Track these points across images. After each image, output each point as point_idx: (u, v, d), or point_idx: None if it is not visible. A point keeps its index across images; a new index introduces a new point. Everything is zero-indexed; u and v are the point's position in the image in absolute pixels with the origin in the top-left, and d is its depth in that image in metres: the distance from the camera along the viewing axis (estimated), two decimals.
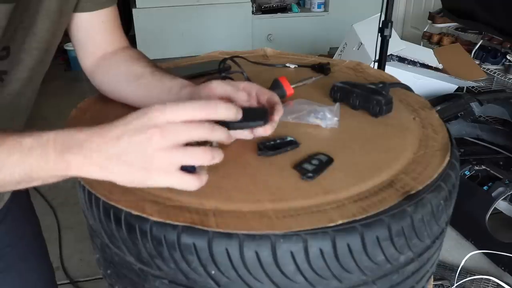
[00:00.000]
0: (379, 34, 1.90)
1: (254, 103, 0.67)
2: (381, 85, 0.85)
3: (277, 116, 0.65)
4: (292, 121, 0.75)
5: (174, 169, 0.49)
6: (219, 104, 0.51)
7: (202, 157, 0.50)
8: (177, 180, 0.50)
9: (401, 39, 3.00)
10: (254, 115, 0.61)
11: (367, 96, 0.79)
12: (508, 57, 2.84)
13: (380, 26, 1.89)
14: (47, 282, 0.92)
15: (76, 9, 0.72)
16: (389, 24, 1.87)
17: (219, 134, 0.51)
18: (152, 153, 0.48)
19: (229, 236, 0.52)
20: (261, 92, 0.67)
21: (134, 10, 3.93)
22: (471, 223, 1.87)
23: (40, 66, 0.68)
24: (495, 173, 1.96)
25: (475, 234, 1.89)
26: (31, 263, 0.86)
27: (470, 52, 3.00)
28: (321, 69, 0.99)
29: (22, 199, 0.84)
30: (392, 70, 2.19)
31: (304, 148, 0.69)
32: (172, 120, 0.48)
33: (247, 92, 0.67)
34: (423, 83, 2.40)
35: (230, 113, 0.51)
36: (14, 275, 0.82)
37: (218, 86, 0.65)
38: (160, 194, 0.58)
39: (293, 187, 0.60)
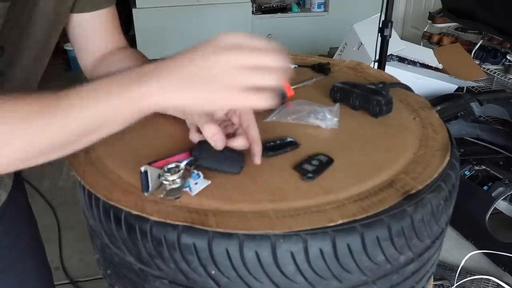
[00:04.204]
0: (379, 34, 1.90)
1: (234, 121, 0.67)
2: (381, 85, 0.85)
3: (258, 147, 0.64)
4: (292, 122, 0.75)
5: (249, 87, 0.49)
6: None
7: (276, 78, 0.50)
8: (252, 98, 0.50)
9: (401, 39, 3.00)
10: (231, 160, 0.63)
11: (367, 96, 0.79)
12: (508, 57, 2.84)
13: (380, 26, 1.89)
14: (44, 283, 0.92)
15: (74, 9, 0.72)
16: (389, 24, 1.87)
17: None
18: (229, 70, 0.48)
19: (229, 236, 0.52)
20: (247, 124, 0.65)
21: (134, 10, 3.92)
22: (471, 223, 1.87)
23: (36, 66, 0.68)
24: (495, 173, 1.96)
25: (475, 234, 1.89)
26: (29, 264, 0.86)
27: (470, 52, 2.99)
28: (321, 69, 0.99)
29: (20, 199, 0.84)
30: (392, 70, 2.19)
31: (304, 148, 0.68)
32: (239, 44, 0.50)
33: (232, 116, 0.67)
34: (423, 83, 2.40)
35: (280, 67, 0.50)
36: (12, 276, 0.82)
37: (195, 115, 0.65)
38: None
39: (293, 187, 0.60)
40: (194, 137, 0.66)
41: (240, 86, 0.49)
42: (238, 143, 0.63)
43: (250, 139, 0.64)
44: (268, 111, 0.76)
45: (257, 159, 0.63)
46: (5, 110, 0.49)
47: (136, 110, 0.50)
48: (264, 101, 0.49)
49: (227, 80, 0.49)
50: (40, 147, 0.51)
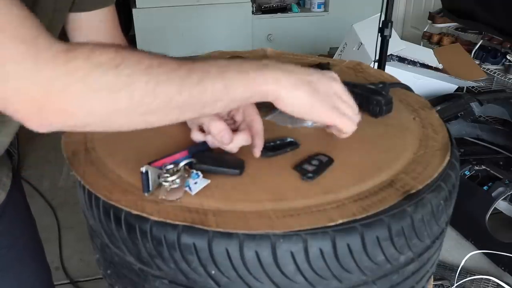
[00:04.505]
0: (379, 34, 1.90)
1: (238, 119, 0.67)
2: (381, 85, 0.85)
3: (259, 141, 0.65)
4: (291, 127, 0.75)
5: (342, 111, 0.62)
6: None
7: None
8: (343, 119, 0.63)
9: (401, 39, 3.00)
10: (232, 163, 0.63)
11: (367, 96, 0.79)
12: (508, 57, 2.84)
13: (380, 26, 1.88)
14: (44, 283, 0.92)
15: (74, 8, 0.72)
16: (389, 24, 1.86)
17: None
18: (334, 91, 0.62)
19: (229, 236, 0.52)
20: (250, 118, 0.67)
21: (134, 10, 3.92)
22: (471, 223, 1.87)
23: None
24: (495, 173, 1.96)
25: (475, 234, 1.89)
26: (28, 264, 0.86)
27: (470, 52, 2.99)
28: (321, 69, 0.99)
29: (18, 199, 0.84)
30: (392, 70, 2.19)
31: (304, 148, 0.68)
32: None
33: (236, 114, 0.68)
34: (423, 83, 2.40)
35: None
36: (10, 276, 0.82)
37: None
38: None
39: (293, 187, 0.60)
40: (197, 136, 0.66)
41: (340, 111, 0.62)
42: (241, 138, 0.64)
43: (253, 132, 0.64)
44: (268, 111, 0.76)
45: (257, 151, 0.64)
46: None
47: (257, 92, 0.55)
48: (350, 127, 0.64)
49: (336, 102, 0.61)
50: (164, 102, 0.50)
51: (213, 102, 0.53)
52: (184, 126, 0.71)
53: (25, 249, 0.85)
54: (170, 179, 0.58)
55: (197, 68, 0.52)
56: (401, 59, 2.68)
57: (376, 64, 1.98)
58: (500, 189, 1.84)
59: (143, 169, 0.58)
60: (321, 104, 0.59)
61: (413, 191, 0.59)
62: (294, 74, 0.57)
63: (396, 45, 2.51)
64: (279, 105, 0.57)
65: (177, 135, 0.71)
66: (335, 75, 0.63)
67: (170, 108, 0.51)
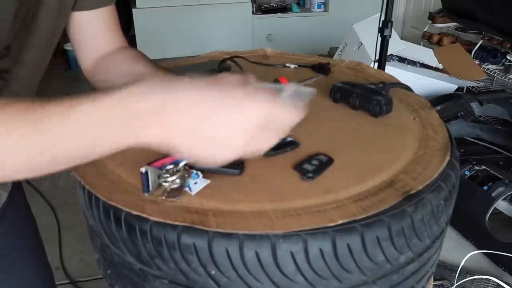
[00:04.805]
0: (379, 34, 1.90)
1: None
2: (381, 85, 0.85)
3: None
4: None
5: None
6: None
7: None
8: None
9: (401, 39, 3.00)
10: (232, 163, 0.60)
11: (367, 96, 0.79)
12: (508, 57, 2.84)
13: (380, 26, 1.88)
14: (45, 282, 0.92)
15: (75, 7, 0.72)
16: (389, 24, 1.86)
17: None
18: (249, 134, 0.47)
19: (229, 236, 0.52)
20: None
21: (134, 10, 3.92)
22: (471, 223, 1.87)
23: (40, 64, 0.69)
24: (495, 173, 1.96)
25: (475, 234, 1.89)
26: (29, 264, 0.86)
27: (470, 52, 2.99)
28: (321, 69, 0.99)
29: (19, 200, 0.84)
30: (392, 70, 2.19)
31: (304, 148, 0.68)
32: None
33: None
34: (423, 83, 2.40)
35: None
36: (12, 276, 0.82)
37: None
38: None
39: (293, 187, 0.60)
40: None
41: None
42: None
43: None
44: None
45: None
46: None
47: (127, 145, 0.48)
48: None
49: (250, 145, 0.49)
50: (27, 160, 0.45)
51: (76, 159, 0.47)
52: None
53: (26, 249, 0.85)
54: (170, 179, 0.57)
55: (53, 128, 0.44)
56: (401, 59, 2.68)
57: (376, 64, 1.98)
58: (500, 189, 1.84)
59: (143, 170, 0.58)
60: (225, 152, 0.48)
61: (413, 191, 0.59)
62: (178, 130, 0.47)
63: (396, 45, 2.51)
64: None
65: None
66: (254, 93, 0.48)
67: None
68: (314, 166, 0.63)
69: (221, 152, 0.48)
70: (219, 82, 0.48)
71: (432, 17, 3.28)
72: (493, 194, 1.83)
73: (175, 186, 0.58)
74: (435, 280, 1.65)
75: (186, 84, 0.47)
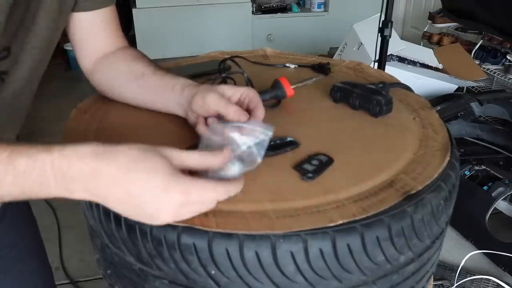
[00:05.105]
0: (379, 34, 1.90)
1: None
2: (381, 85, 0.85)
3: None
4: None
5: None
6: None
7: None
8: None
9: (401, 39, 3.00)
10: None
11: (367, 96, 0.79)
12: (508, 57, 2.84)
13: (380, 26, 1.89)
14: (46, 283, 0.92)
15: (75, 8, 0.72)
16: (389, 24, 1.87)
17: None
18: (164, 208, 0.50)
19: (229, 236, 0.52)
20: (254, 105, 0.69)
21: (134, 10, 3.93)
22: (471, 223, 1.87)
23: (39, 66, 0.69)
24: (495, 173, 1.96)
25: (475, 234, 1.89)
26: (29, 264, 0.86)
27: (470, 52, 2.99)
28: (321, 69, 0.99)
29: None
30: (392, 70, 2.19)
31: (304, 148, 0.68)
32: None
33: (241, 103, 0.69)
34: (423, 83, 2.40)
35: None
36: (13, 276, 0.82)
37: (212, 101, 0.66)
38: None
39: (293, 187, 0.60)
40: (203, 129, 0.66)
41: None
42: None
43: (257, 119, 0.68)
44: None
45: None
46: None
47: (62, 198, 0.50)
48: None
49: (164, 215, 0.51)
50: None
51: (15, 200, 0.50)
52: (184, 122, 0.71)
53: (26, 248, 0.86)
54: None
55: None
56: (401, 59, 2.68)
57: (376, 64, 1.98)
58: (500, 189, 1.84)
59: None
60: (147, 217, 0.51)
61: (413, 191, 0.59)
62: (103, 194, 0.50)
63: (396, 45, 2.51)
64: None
65: (178, 132, 0.71)
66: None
67: None
68: (314, 166, 0.63)
69: (152, 221, 0.51)
70: (143, 165, 0.49)
71: (432, 17, 3.28)
72: (493, 194, 1.83)
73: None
74: (435, 280, 1.65)
75: (113, 160, 0.49)
